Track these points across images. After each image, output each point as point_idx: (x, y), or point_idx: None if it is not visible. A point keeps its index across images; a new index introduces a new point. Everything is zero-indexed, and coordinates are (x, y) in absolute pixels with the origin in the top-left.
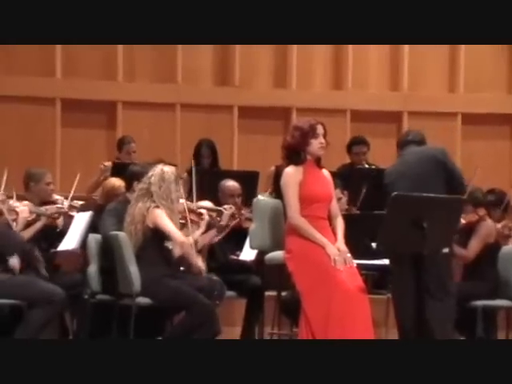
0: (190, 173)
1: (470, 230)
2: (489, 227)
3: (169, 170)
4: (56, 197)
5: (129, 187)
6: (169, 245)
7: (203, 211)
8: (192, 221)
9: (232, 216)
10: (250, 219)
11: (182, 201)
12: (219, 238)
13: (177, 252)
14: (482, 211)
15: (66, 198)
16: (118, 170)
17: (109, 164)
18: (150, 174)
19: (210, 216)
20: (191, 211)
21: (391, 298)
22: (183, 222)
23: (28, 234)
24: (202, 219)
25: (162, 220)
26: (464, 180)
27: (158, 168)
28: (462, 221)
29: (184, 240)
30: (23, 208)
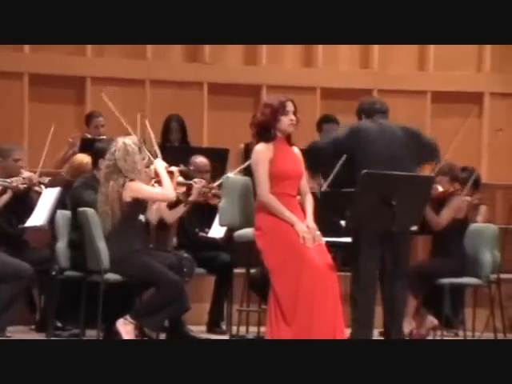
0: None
1: (443, 199)
2: (461, 202)
3: (130, 141)
4: (26, 173)
5: (95, 164)
6: (141, 218)
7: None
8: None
9: (201, 190)
10: (217, 196)
11: (159, 159)
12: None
13: (155, 219)
14: (457, 185)
15: (35, 173)
16: (86, 145)
17: (77, 137)
18: (112, 149)
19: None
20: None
21: (353, 276)
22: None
23: None
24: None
25: (143, 190)
26: (439, 148)
27: (120, 142)
28: (440, 188)
29: (173, 193)
30: None
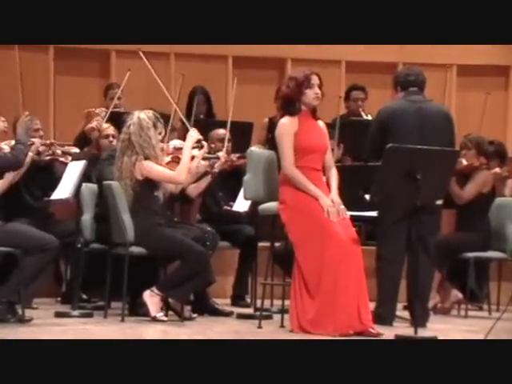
0: (183, 122)
1: (468, 173)
2: (486, 176)
3: (145, 116)
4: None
5: None
6: (158, 194)
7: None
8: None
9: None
10: (242, 157)
11: (193, 130)
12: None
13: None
14: (483, 160)
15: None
16: (112, 118)
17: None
18: (128, 123)
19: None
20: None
21: (379, 251)
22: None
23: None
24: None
25: (154, 171)
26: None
27: (135, 116)
28: (464, 162)
29: (183, 178)
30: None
